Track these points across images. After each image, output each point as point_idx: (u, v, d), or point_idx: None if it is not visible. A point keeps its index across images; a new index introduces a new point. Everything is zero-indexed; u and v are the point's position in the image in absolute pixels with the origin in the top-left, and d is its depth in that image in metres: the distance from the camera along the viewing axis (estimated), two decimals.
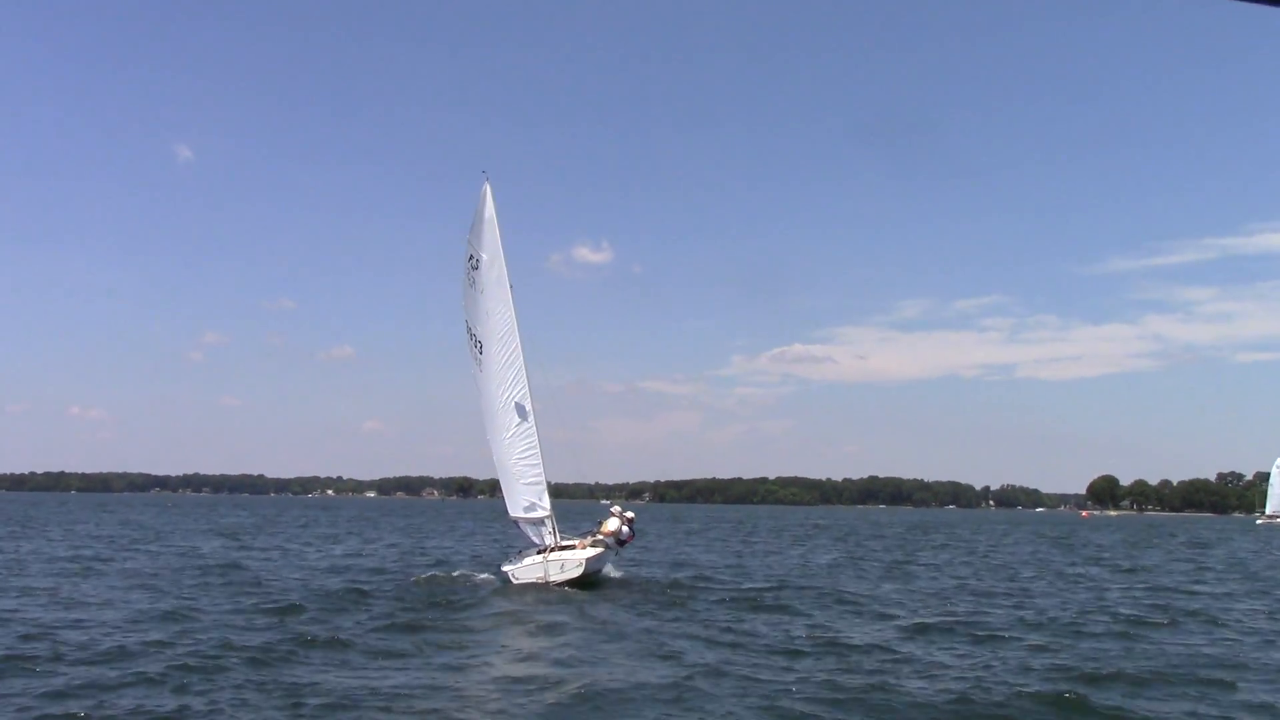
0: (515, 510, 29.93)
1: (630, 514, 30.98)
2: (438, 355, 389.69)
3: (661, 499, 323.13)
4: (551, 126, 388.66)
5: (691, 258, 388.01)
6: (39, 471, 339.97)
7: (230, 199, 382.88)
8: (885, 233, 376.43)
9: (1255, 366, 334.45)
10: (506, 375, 29.56)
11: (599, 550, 28.38)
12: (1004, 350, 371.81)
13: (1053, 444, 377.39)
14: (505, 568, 28.57)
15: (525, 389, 29.49)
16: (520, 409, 29.59)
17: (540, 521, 29.35)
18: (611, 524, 29.89)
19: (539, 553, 28.12)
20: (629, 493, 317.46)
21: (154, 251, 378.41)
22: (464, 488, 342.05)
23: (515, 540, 31.84)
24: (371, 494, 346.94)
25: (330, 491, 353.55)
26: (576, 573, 26.83)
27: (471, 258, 29.81)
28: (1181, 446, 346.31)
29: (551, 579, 26.80)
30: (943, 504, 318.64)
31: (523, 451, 29.61)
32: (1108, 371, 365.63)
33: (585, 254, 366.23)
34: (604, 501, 32.97)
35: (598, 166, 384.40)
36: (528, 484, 29.49)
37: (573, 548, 28.25)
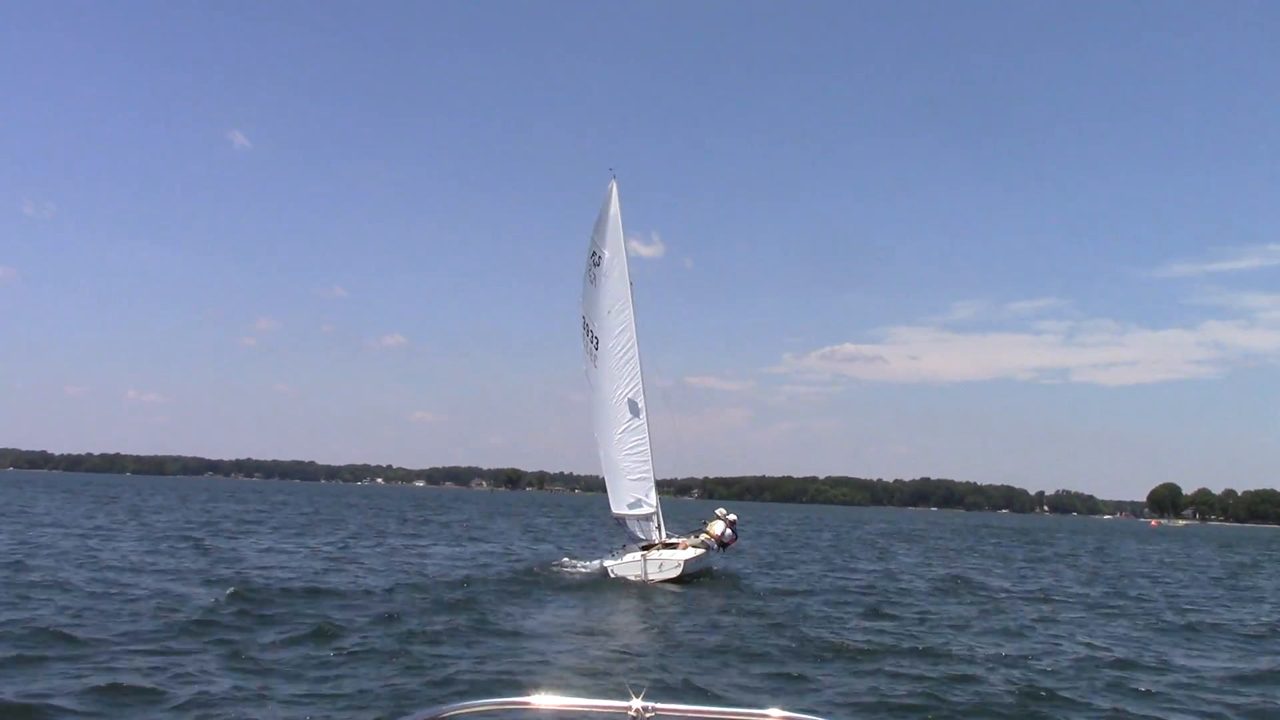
0: (619, 507, 30.41)
1: (733, 516, 31.15)
2: (487, 346, 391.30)
3: (710, 495, 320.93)
4: (602, 121, 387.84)
5: (743, 254, 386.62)
6: (95, 453, 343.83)
7: (285, 186, 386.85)
8: (940, 233, 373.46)
9: None
10: (622, 371, 29.96)
11: (700, 551, 28.60)
12: (1060, 354, 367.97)
13: (1108, 450, 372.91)
14: (606, 563, 28.61)
15: (639, 385, 29.98)
16: (633, 405, 30.09)
17: (646, 518, 29.76)
18: (716, 526, 30.31)
19: (642, 550, 28.27)
20: (677, 489, 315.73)
21: (209, 237, 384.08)
22: (512, 479, 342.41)
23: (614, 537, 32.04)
24: (420, 483, 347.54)
25: (380, 480, 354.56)
26: (675, 573, 26.93)
27: (594, 254, 30.26)
28: (1243, 456, 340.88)
29: (650, 577, 26.86)
30: (995, 508, 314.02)
31: (632, 447, 30.19)
32: (1166, 378, 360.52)
33: (636, 247, 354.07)
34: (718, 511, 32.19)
35: (650, 160, 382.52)
36: (635, 480, 30.07)
37: (675, 546, 28.39)
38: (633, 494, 29.87)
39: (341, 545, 36.36)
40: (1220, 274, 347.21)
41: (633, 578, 27.01)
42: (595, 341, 30.07)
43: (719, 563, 31.80)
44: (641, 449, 29.94)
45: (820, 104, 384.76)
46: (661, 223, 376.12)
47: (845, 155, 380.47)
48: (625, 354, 29.73)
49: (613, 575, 27.41)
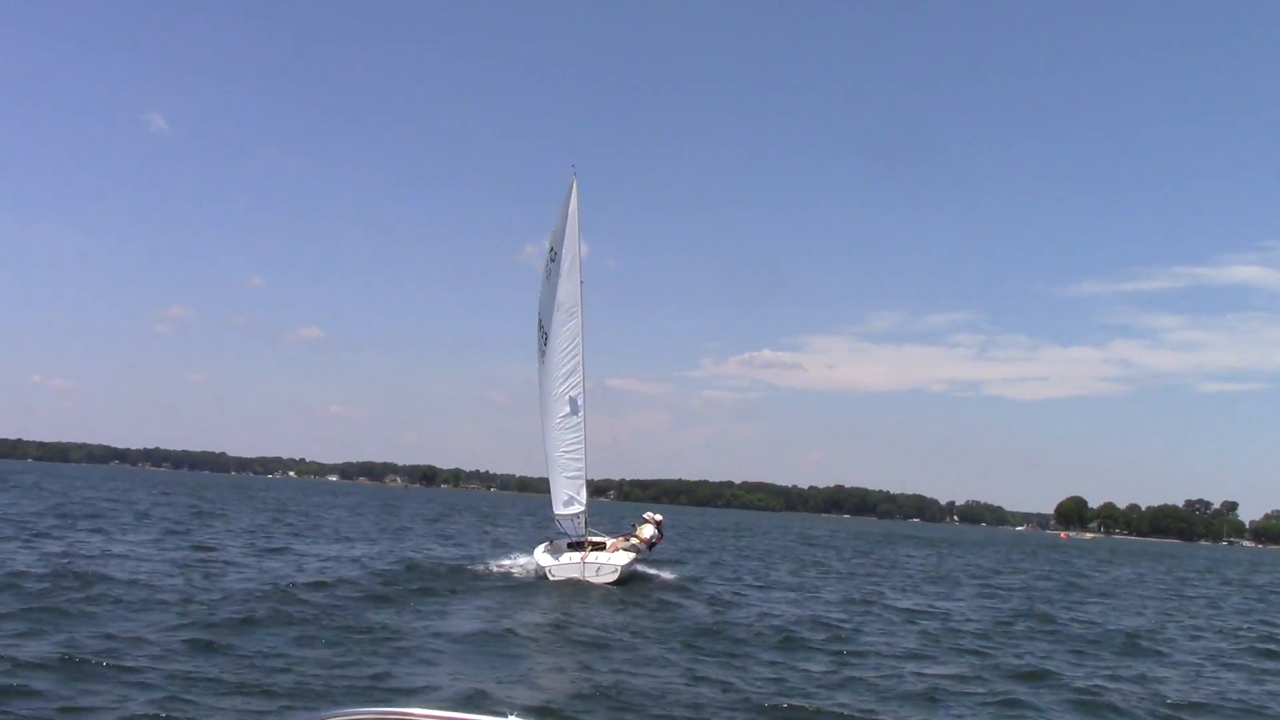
0: (558, 505, 30.49)
1: (660, 517, 31.59)
2: (407, 341, 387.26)
3: (626, 497, 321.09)
4: (531, 118, 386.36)
5: (665, 258, 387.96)
6: None
7: (204, 171, 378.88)
8: (859, 244, 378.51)
9: (1221, 397, 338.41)
10: (565, 367, 29.94)
11: (633, 555, 28.81)
12: (973, 367, 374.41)
13: (1017, 462, 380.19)
14: (542, 562, 28.37)
15: (580, 382, 29.92)
16: (573, 402, 30.12)
17: (576, 516, 29.92)
18: (646, 530, 30.50)
19: (576, 550, 28.50)
20: (594, 489, 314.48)
21: (124, 221, 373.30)
22: (428, 476, 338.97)
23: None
24: (334, 478, 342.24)
25: (292, 473, 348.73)
26: (612, 578, 27.09)
27: (551, 250, 30.20)
28: (1146, 472, 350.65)
29: (588, 579, 27.04)
30: (907, 516, 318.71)
31: (569, 444, 30.32)
32: (1074, 393, 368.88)
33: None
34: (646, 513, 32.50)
35: (577, 160, 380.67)
36: (570, 477, 30.22)
37: (603, 546, 28.73)
38: (566, 491, 30.11)
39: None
40: (1129, 294, 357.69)
41: (571, 578, 27.10)
42: (545, 337, 30.13)
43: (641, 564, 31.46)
44: (577, 447, 30.06)
45: (745, 118, 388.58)
46: (586, 223, 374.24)
47: (767, 168, 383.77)
48: (571, 351, 29.73)
49: (551, 577, 27.39)
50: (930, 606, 27.63)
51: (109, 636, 14.29)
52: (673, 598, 25.60)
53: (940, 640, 20.40)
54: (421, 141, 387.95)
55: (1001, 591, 35.36)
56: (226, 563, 25.70)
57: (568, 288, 29.68)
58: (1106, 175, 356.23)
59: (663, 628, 19.65)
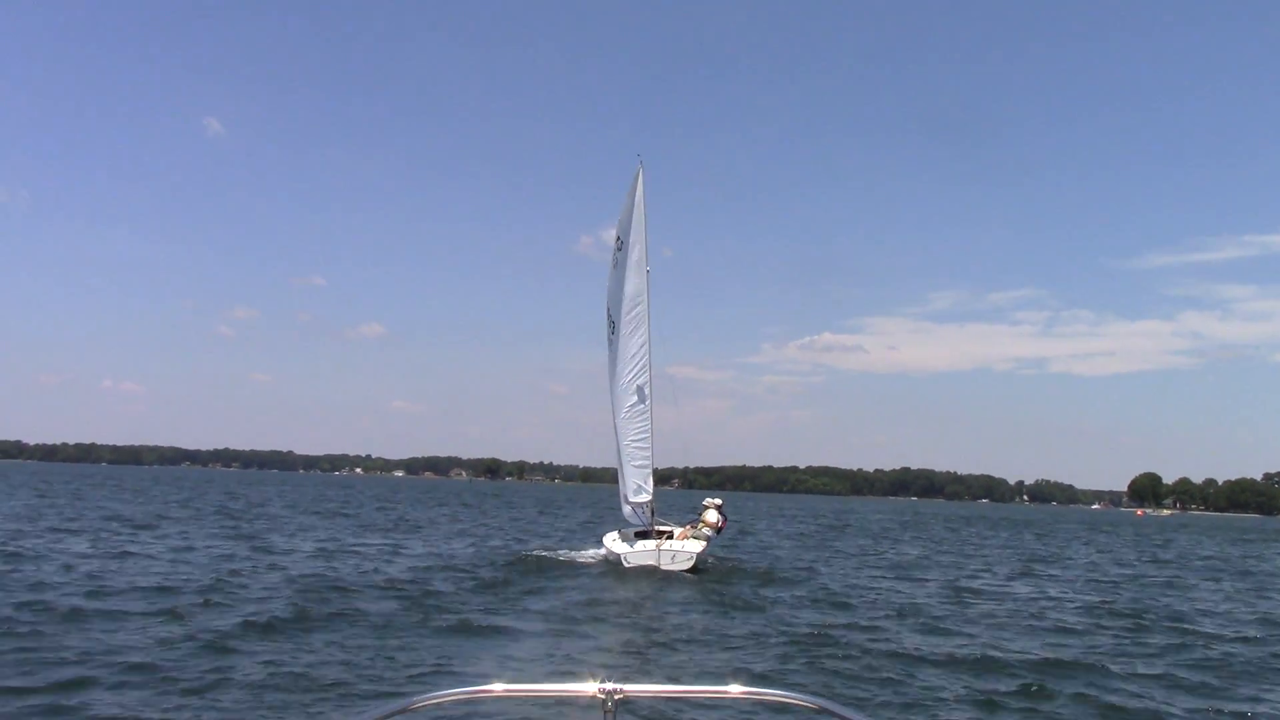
0: (627, 494, 30.76)
1: (719, 501, 31.11)
2: (467, 335, 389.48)
3: (690, 485, 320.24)
4: (585, 112, 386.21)
5: (722, 244, 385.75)
6: (70, 443, 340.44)
7: (261, 174, 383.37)
8: (918, 224, 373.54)
9: None
10: (633, 357, 29.99)
11: (705, 543, 28.57)
12: (1037, 344, 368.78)
13: (1086, 439, 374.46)
14: (617, 549, 28.64)
15: (647, 372, 29.98)
16: (640, 391, 30.11)
17: (644, 505, 30.25)
18: (712, 515, 30.02)
19: (644, 539, 28.61)
20: (658, 478, 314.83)
21: (186, 226, 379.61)
22: (492, 469, 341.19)
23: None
24: (399, 473, 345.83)
25: (359, 470, 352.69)
26: (687, 565, 27.30)
27: (618, 239, 30.33)
28: (1221, 445, 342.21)
29: (663, 567, 27.25)
30: (975, 497, 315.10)
31: (636, 433, 30.49)
32: (1143, 368, 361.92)
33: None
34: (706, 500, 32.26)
35: (630, 149, 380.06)
36: (637, 466, 30.51)
37: (671, 535, 28.74)
38: (634, 480, 30.37)
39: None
40: (1197, 265, 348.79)
41: (647, 565, 27.35)
42: (613, 326, 30.24)
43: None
44: (644, 436, 30.30)
45: (800, 101, 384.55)
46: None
47: (826, 150, 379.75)
48: (637, 339, 29.85)
49: (627, 564, 27.62)
50: None
51: None
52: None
53: None
54: (475, 134, 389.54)
55: None
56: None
57: (635, 277, 29.80)
58: (1168, 145, 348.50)
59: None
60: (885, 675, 13.58)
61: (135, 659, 12.53)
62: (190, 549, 27.83)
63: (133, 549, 26.97)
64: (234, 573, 22.02)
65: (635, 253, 29.72)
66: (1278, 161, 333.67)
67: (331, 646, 14.00)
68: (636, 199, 29.82)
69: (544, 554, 30.86)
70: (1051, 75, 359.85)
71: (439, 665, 13.13)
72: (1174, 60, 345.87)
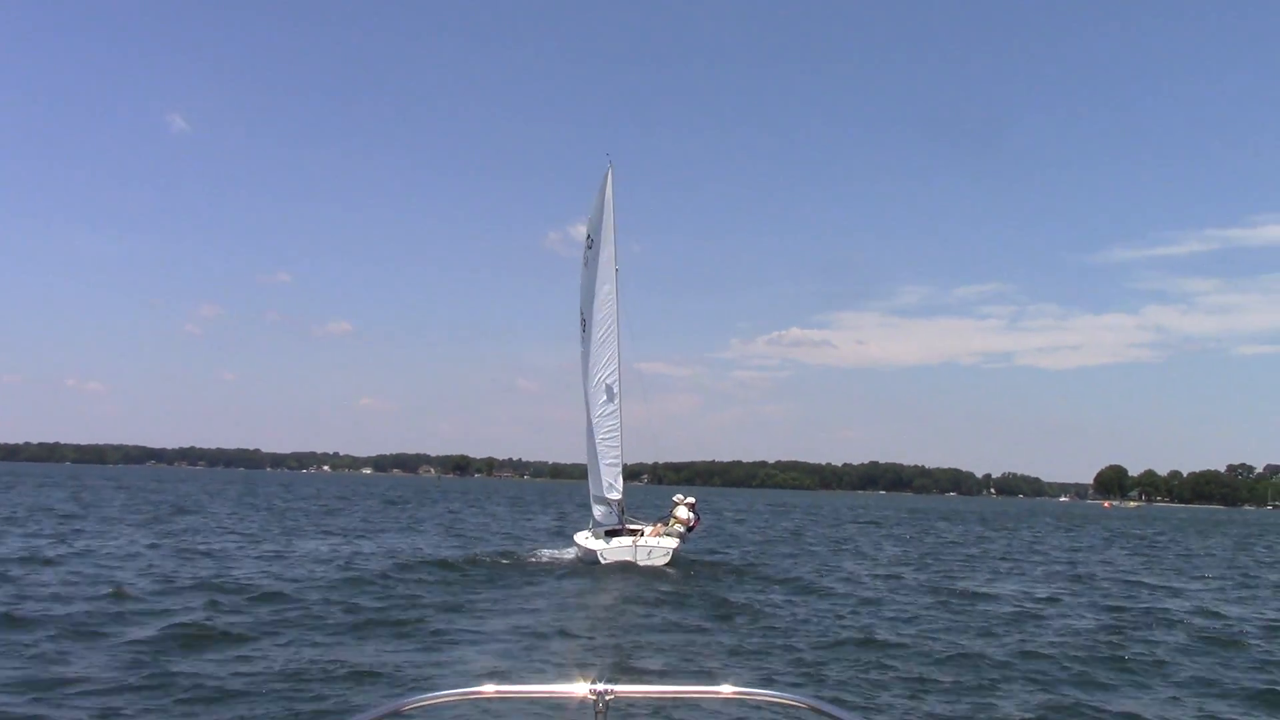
0: (597, 492, 30.81)
1: (691, 499, 30.98)
2: (435, 332, 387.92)
3: (659, 481, 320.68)
4: (550, 109, 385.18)
5: (689, 240, 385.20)
6: (33, 442, 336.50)
7: (226, 170, 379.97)
8: (886, 219, 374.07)
9: (1257, 359, 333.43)
10: (602, 355, 30.11)
11: (679, 540, 28.72)
12: (1004, 338, 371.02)
13: (1052, 433, 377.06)
14: (592, 546, 28.66)
15: (615, 370, 30.03)
16: (609, 390, 30.20)
17: (613, 503, 30.25)
18: (683, 512, 29.85)
19: (614, 536, 28.75)
20: (627, 474, 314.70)
21: (150, 223, 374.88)
22: (460, 466, 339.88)
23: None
24: (368, 470, 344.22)
25: (326, 468, 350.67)
26: (664, 560, 27.54)
27: (588, 238, 30.64)
28: (1185, 438, 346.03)
29: (640, 563, 27.43)
30: (943, 491, 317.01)
31: (607, 432, 30.58)
32: (1108, 361, 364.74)
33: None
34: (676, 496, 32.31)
35: (599, 145, 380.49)
36: (608, 464, 30.58)
37: (641, 532, 28.73)
38: (605, 478, 30.43)
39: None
40: (1160, 259, 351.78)
41: (623, 560, 27.50)
42: (585, 325, 30.44)
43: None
44: (614, 434, 30.37)
45: (769, 97, 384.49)
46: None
47: (794, 147, 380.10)
48: (606, 338, 29.99)
49: (603, 561, 27.69)
50: None
51: None
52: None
53: None
54: (440, 131, 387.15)
55: None
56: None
57: (603, 274, 30.01)
58: (1132, 140, 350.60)
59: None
60: (865, 664, 13.70)
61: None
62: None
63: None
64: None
65: (605, 252, 29.93)
66: (1239, 156, 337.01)
67: (290, 651, 13.80)
68: (606, 198, 30.02)
69: (516, 551, 30.84)
70: (1017, 72, 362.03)
71: (419, 672, 12.89)
72: (1137, 56, 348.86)
